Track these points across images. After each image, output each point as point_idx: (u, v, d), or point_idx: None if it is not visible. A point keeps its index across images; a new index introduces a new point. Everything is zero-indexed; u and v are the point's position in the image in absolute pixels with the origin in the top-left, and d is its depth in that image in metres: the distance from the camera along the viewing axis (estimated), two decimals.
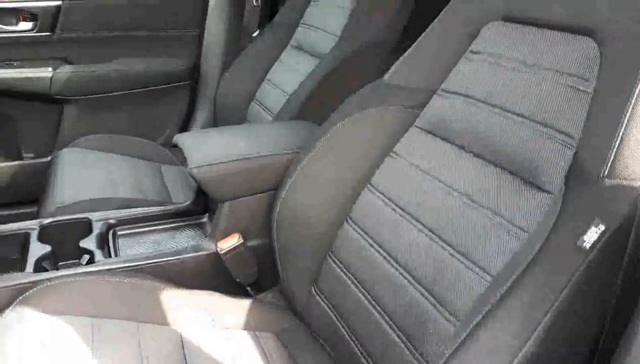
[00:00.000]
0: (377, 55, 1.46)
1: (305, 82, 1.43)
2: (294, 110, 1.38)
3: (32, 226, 1.08)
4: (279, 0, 1.93)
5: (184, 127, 1.94)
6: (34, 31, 1.69)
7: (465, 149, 0.80)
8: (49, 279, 0.88)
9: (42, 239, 1.06)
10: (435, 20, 0.95)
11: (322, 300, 0.92)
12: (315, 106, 1.39)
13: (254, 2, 1.86)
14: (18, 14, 1.67)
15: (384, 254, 0.83)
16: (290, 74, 1.58)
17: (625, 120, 0.60)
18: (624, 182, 0.56)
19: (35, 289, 0.85)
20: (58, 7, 1.68)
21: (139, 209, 1.18)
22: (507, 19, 0.84)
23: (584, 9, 0.72)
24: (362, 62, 1.44)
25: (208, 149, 1.04)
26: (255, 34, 1.88)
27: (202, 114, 1.96)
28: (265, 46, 1.74)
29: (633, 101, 0.60)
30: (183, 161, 1.07)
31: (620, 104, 0.61)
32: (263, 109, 1.63)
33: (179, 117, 1.92)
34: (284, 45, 1.71)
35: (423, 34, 0.96)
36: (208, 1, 1.88)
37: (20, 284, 0.89)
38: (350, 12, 1.46)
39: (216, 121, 1.84)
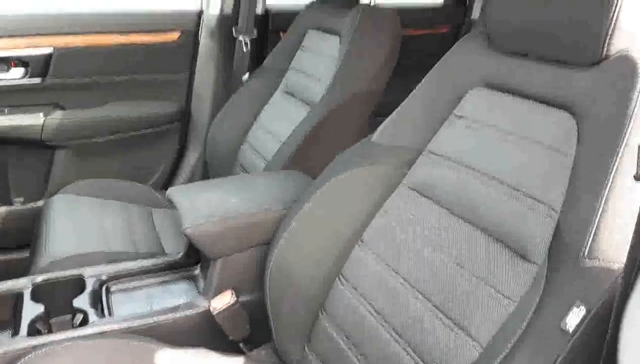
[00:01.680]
0: (366, 103, 1.49)
1: (297, 131, 1.45)
2: (286, 159, 1.41)
3: (24, 285, 1.08)
4: (269, 45, 1.97)
5: (175, 169, 1.95)
6: (26, 78, 1.70)
7: (454, 212, 0.82)
8: (44, 345, 0.88)
9: (35, 297, 1.06)
10: (421, 82, 0.99)
11: (316, 361, 0.93)
12: (307, 155, 1.42)
13: (244, 46, 1.90)
14: (9, 61, 1.68)
15: (375, 314, 0.85)
16: (281, 120, 1.60)
17: (603, 199, 0.62)
18: (603, 264, 0.59)
19: (30, 355, 0.85)
20: (49, 55, 1.69)
21: (131, 262, 1.19)
22: (490, 85, 0.87)
23: (562, 84, 0.75)
24: (352, 110, 1.48)
25: (201, 206, 1.05)
26: (245, 78, 1.91)
27: (193, 156, 1.98)
28: (256, 90, 1.77)
29: (611, 180, 0.63)
30: (173, 205, 1.09)
31: (598, 182, 0.64)
32: (254, 153, 1.65)
33: (169, 159, 1.94)
34: (274, 89, 1.74)
35: (409, 96, 1.00)
36: (198, 45, 1.91)
37: (16, 350, 0.89)
38: (339, 61, 1.49)
39: (207, 163, 1.86)
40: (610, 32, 0.67)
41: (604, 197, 0.63)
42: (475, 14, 2.29)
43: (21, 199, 1.78)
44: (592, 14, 0.69)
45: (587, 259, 0.60)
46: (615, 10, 0.66)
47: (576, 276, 0.60)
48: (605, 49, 0.69)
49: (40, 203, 1.72)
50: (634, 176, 0.49)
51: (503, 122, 0.81)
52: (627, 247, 0.49)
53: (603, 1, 0.67)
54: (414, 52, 1.90)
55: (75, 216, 1.45)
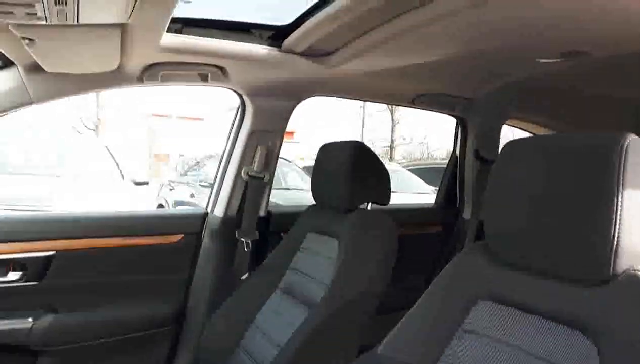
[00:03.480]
0: (366, 304, 1.46)
1: (296, 335, 1.39)
2: None
3: None
4: (269, 245, 2.01)
5: None
6: (22, 281, 1.68)
7: None
8: None
9: None
10: (425, 294, 0.97)
11: None
12: (306, 361, 1.34)
13: (245, 247, 1.93)
14: (7, 264, 1.68)
15: None
16: (279, 323, 1.55)
17: None
18: None
19: None
20: (49, 258, 1.70)
21: None
22: (495, 299, 0.86)
23: (570, 302, 0.74)
24: (352, 312, 1.44)
25: None
26: (244, 277, 1.91)
27: (183, 358, 1.86)
28: (254, 289, 1.75)
29: None
30: None
31: None
32: (249, 359, 1.56)
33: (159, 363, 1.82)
34: (273, 289, 1.72)
35: (414, 307, 0.97)
36: (200, 247, 1.94)
37: None
38: (338, 263, 1.50)
39: None
40: (614, 252, 0.68)
41: None
42: (466, 214, 2.39)
43: None
44: (594, 235, 0.70)
45: None
46: (616, 231, 0.68)
47: None
48: (612, 269, 0.69)
49: None
50: None
51: (515, 340, 0.77)
52: None
53: (604, 222, 0.69)
54: (407, 252, 1.93)
55: None
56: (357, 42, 1.49)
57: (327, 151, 1.77)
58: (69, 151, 5.41)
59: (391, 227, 1.54)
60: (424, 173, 7.45)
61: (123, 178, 5.13)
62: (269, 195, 2.08)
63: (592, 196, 0.71)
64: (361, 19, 1.31)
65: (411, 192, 6.20)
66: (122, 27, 1.25)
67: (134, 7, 1.10)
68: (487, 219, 0.89)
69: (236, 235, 1.95)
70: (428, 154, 16.00)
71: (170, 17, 1.29)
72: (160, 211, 1.84)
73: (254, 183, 1.99)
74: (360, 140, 1.72)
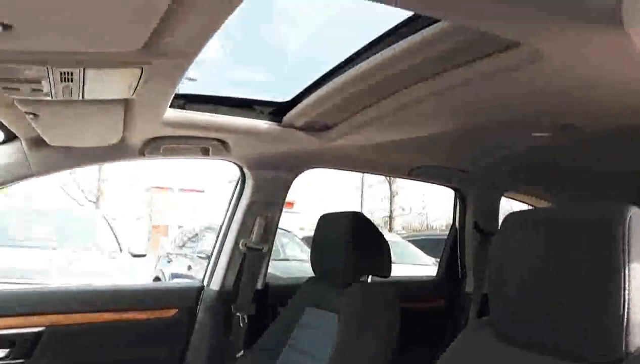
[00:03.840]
0: None
1: None
2: None
3: None
4: (267, 319, 1.95)
5: None
6: (9, 358, 1.61)
7: None
8: None
9: None
10: None
11: None
12: None
13: (241, 322, 1.87)
14: None
15: None
16: None
17: None
18: None
19: None
20: (39, 334, 1.63)
21: None
22: None
23: None
24: None
25: None
26: (239, 354, 1.83)
27: None
28: None
29: None
30: None
31: None
32: None
33: None
34: None
35: None
36: (195, 322, 1.88)
37: None
38: (338, 340, 1.45)
39: None
40: (625, 330, 0.66)
41: None
42: (469, 287, 2.34)
43: None
44: (604, 313, 0.68)
45: None
46: (625, 308, 0.66)
47: None
48: (624, 347, 0.67)
49: None
50: None
51: None
52: None
53: (613, 300, 0.67)
54: (410, 327, 1.87)
55: None
56: (354, 117, 1.52)
57: (326, 221, 1.76)
58: (68, 222, 5.40)
59: (393, 301, 1.50)
60: (424, 244, 7.39)
61: (121, 250, 5.08)
62: (267, 267, 2.05)
63: (598, 272, 0.69)
64: (359, 95, 1.35)
65: (411, 263, 6.11)
66: (126, 103, 1.28)
67: (137, 83, 1.13)
68: (491, 295, 0.86)
69: (232, 310, 1.90)
70: (427, 224, 15.96)
71: (174, 94, 1.33)
72: (155, 284, 1.81)
73: (251, 255, 1.96)
74: (359, 210, 1.72)
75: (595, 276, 0.70)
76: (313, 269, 1.78)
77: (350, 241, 1.60)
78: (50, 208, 7.38)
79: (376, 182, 16.37)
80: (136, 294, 1.85)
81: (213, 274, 1.98)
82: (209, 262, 2.03)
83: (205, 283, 1.98)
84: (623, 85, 1.05)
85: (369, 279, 1.78)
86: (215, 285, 1.96)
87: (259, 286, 2.02)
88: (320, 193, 16.20)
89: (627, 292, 0.66)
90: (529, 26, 0.82)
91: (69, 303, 1.71)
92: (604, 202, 0.75)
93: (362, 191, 16.83)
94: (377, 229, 1.73)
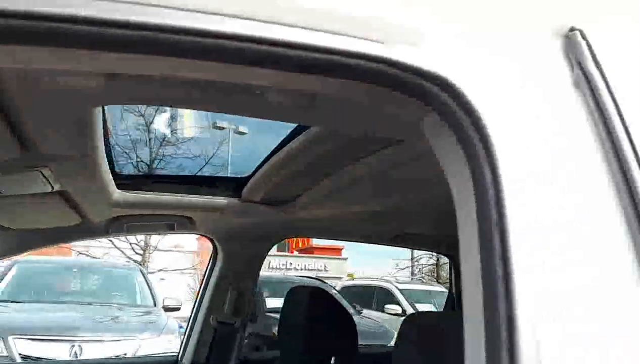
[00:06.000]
0: None
1: None
2: None
3: None
4: None
5: None
6: None
7: None
8: None
9: None
10: None
11: None
12: None
13: None
14: None
15: None
16: None
17: None
18: None
19: None
20: None
21: None
22: None
23: None
24: None
25: None
26: None
27: None
28: None
29: None
30: None
31: None
32: None
33: None
34: None
35: None
36: None
37: None
38: None
39: None
40: None
41: None
42: None
43: None
44: None
45: None
46: None
47: None
48: None
49: None
50: None
51: None
52: None
53: None
54: None
55: None
56: (316, 188, 1.46)
57: (289, 296, 1.70)
58: (109, 279, 5.68)
59: None
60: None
61: (155, 305, 5.22)
62: (240, 342, 2.00)
63: None
64: (315, 165, 1.27)
65: None
66: (60, 194, 1.32)
67: (49, 181, 1.16)
68: None
69: None
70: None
71: (110, 180, 1.35)
72: (129, 359, 1.82)
73: (223, 330, 1.92)
74: (324, 284, 1.65)
75: None
76: (280, 349, 1.71)
77: (306, 323, 1.53)
78: (94, 262, 7.77)
79: None
80: None
81: (186, 349, 1.96)
82: (183, 337, 2.02)
83: (179, 358, 1.96)
84: None
85: (332, 362, 1.69)
86: (187, 361, 1.93)
87: (232, 362, 1.96)
88: None
89: None
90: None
91: None
92: None
93: None
94: (340, 305, 1.64)
